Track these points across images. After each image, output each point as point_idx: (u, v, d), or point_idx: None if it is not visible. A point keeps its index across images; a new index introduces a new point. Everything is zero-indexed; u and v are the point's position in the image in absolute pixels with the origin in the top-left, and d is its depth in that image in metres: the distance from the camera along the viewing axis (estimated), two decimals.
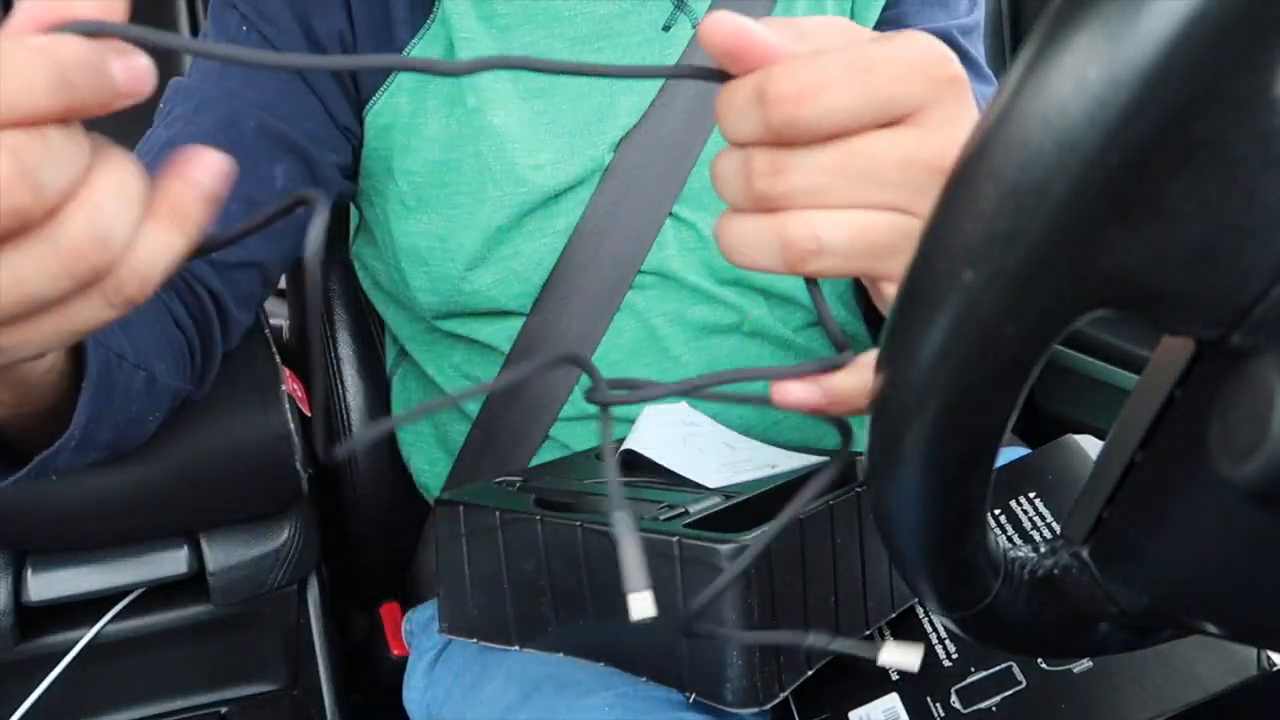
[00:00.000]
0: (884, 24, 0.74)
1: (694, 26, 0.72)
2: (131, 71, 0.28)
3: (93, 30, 0.27)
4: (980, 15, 0.78)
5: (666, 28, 0.72)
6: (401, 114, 0.71)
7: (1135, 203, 0.23)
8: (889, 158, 0.32)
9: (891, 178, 0.32)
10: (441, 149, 0.70)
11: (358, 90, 0.71)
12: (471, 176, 0.70)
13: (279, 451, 0.73)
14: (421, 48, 0.70)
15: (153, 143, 0.66)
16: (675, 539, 0.52)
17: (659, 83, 0.72)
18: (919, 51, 0.32)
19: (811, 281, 0.35)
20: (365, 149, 0.72)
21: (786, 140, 0.32)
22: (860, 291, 0.81)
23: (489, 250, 0.71)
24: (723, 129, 0.33)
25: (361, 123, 0.72)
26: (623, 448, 0.66)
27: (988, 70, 0.77)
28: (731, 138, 0.33)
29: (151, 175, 0.30)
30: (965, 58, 0.74)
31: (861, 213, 0.32)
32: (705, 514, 0.56)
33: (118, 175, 0.29)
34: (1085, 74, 0.22)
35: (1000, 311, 0.24)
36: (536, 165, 0.70)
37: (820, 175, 0.32)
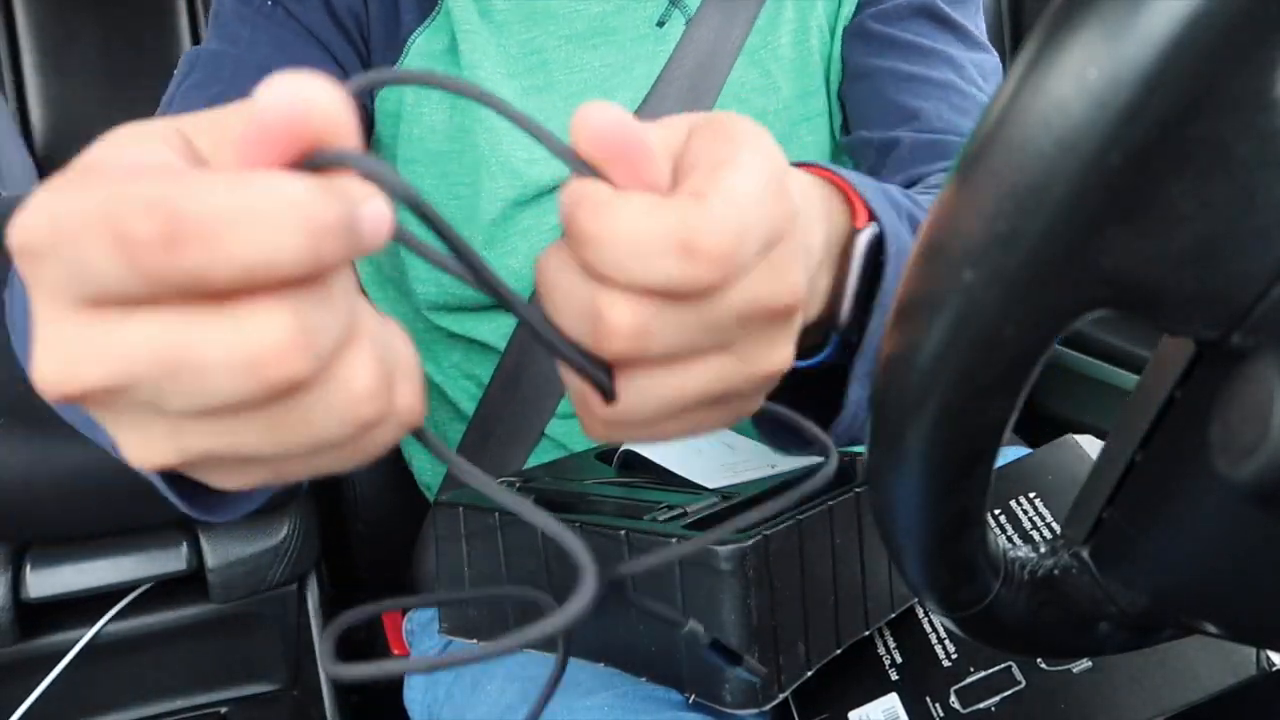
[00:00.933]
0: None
1: (687, 22, 0.73)
2: (376, 226, 0.24)
3: (331, 162, 0.23)
4: None
5: (660, 24, 0.73)
6: (405, 102, 0.72)
7: (1135, 203, 0.23)
8: (735, 309, 0.28)
9: (733, 326, 0.28)
10: (443, 139, 0.71)
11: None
12: (470, 168, 0.71)
13: None
14: (426, 38, 0.71)
15: (188, 107, 0.64)
16: (674, 540, 0.52)
17: (653, 78, 0.72)
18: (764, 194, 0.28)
19: None
20: (373, 135, 0.73)
21: (693, 298, 0.27)
22: None
23: (485, 246, 0.71)
24: (602, 265, 0.27)
25: (373, 106, 0.72)
26: (623, 448, 0.66)
27: (982, 38, 0.75)
28: (615, 279, 0.27)
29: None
30: (949, 24, 0.73)
31: (700, 365, 0.29)
32: (704, 514, 0.56)
33: (372, 320, 0.25)
34: (1085, 74, 0.22)
35: (1000, 311, 0.24)
36: (530, 159, 0.70)
37: (684, 335, 0.28)
